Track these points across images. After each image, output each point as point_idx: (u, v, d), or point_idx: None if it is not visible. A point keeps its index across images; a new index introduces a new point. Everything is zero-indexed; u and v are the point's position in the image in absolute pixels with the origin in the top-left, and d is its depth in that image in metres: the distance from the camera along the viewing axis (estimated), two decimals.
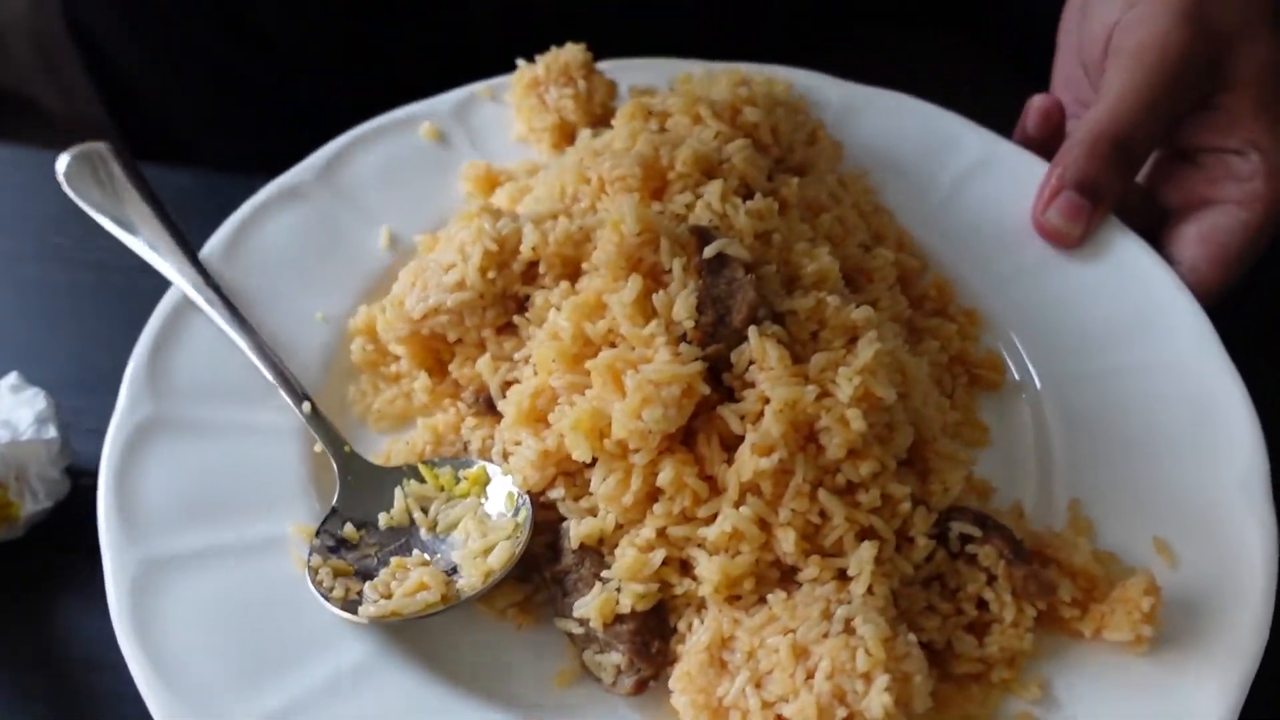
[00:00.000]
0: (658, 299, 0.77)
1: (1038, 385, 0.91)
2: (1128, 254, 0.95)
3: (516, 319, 0.85)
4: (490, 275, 0.85)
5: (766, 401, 0.74)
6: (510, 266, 0.85)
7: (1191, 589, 0.76)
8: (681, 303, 0.77)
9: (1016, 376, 0.92)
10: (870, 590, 0.72)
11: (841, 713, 0.67)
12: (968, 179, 1.04)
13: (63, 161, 0.98)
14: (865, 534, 0.74)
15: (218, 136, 1.41)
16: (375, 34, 1.33)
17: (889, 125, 1.08)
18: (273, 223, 0.97)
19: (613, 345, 0.78)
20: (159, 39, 1.34)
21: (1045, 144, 1.03)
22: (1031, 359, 0.93)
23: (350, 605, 0.75)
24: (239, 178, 1.06)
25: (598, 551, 0.77)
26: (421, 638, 0.76)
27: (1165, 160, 1.01)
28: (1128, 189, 0.98)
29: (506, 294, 0.86)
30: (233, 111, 1.39)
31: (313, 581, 0.75)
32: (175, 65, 1.36)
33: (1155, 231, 0.98)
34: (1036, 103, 1.04)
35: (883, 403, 0.74)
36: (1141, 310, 0.92)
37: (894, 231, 0.98)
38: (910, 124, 1.08)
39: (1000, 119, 1.06)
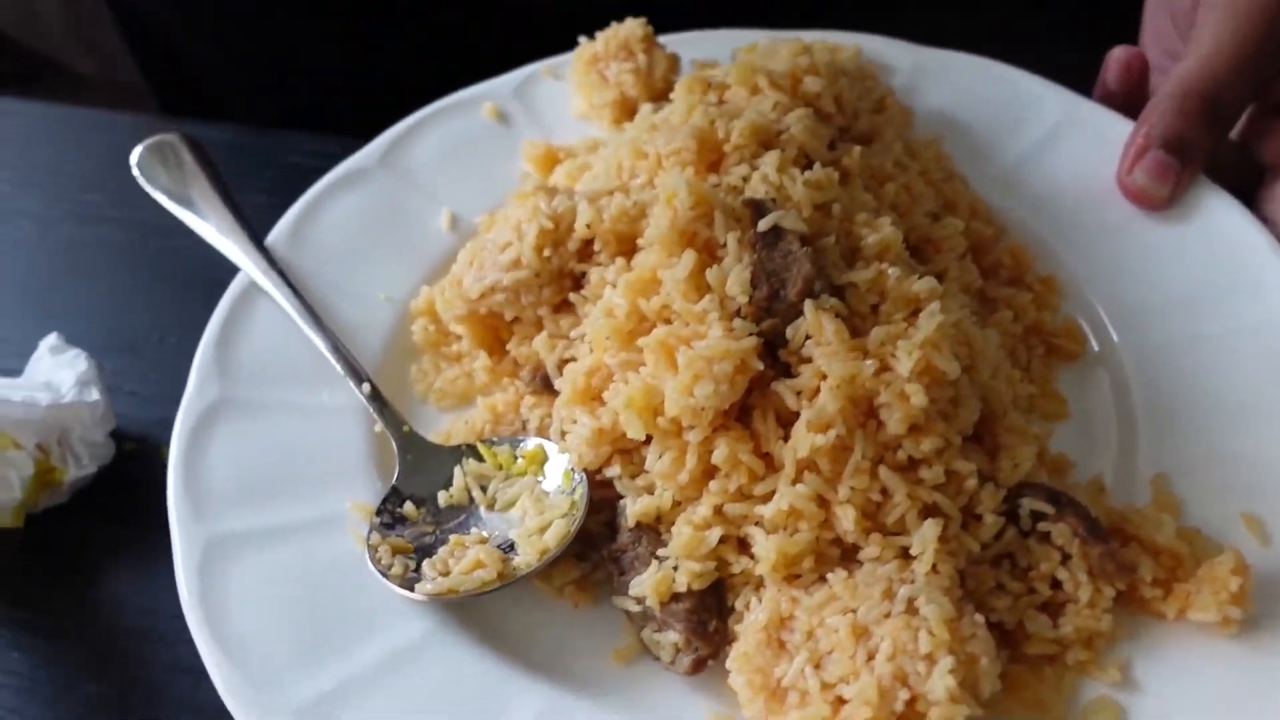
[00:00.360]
0: (711, 274, 0.76)
1: (1120, 354, 0.86)
2: (1218, 214, 0.90)
3: (573, 297, 0.85)
4: (546, 253, 0.84)
5: (823, 377, 0.72)
6: (566, 244, 0.85)
7: None
8: (735, 277, 0.75)
9: (1097, 346, 0.88)
10: (934, 569, 0.70)
11: (904, 695, 0.64)
12: (1047, 142, 0.99)
13: (136, 152, 1.00)
14: (929, 511, 0.71)
15: (251, 94, 1.39)
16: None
17: (963, 89, 1.04)
18: (336, 207, 0.98)
19: (667, 321, 0.76)
20: None
21: (1127, 98, 0.98)
22: (1115, 327, 0.88)
23: (408, 583, 0.75)
24: (277, 133, 1.06)
25: (654, 529, 0.76)
26: (479, 615, 0.76)
27: (1261, 114, 0.95)
28: (1220, 146, 0.92)
29: (562, 272, 0.85)
30: (266, 69, 1.37)
31: (372, 559, 0.76)
32: (208, 22, 1.35)
33: (1250, 190, 0.92)
34: (1117, 54, 0.99)
35: (946, 377, 0.71)
36: (1233, 273, 0.87)
37: (966, 199, 0.94)
38: (985, 87, 1.04)
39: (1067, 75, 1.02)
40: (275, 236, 0.95)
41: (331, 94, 1.03)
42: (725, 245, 0.77)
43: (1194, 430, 0.80)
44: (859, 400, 0.71)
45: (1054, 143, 0.99)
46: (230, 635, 0.73)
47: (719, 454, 0.73)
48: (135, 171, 0.99)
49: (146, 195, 0.97)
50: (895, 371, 0.71)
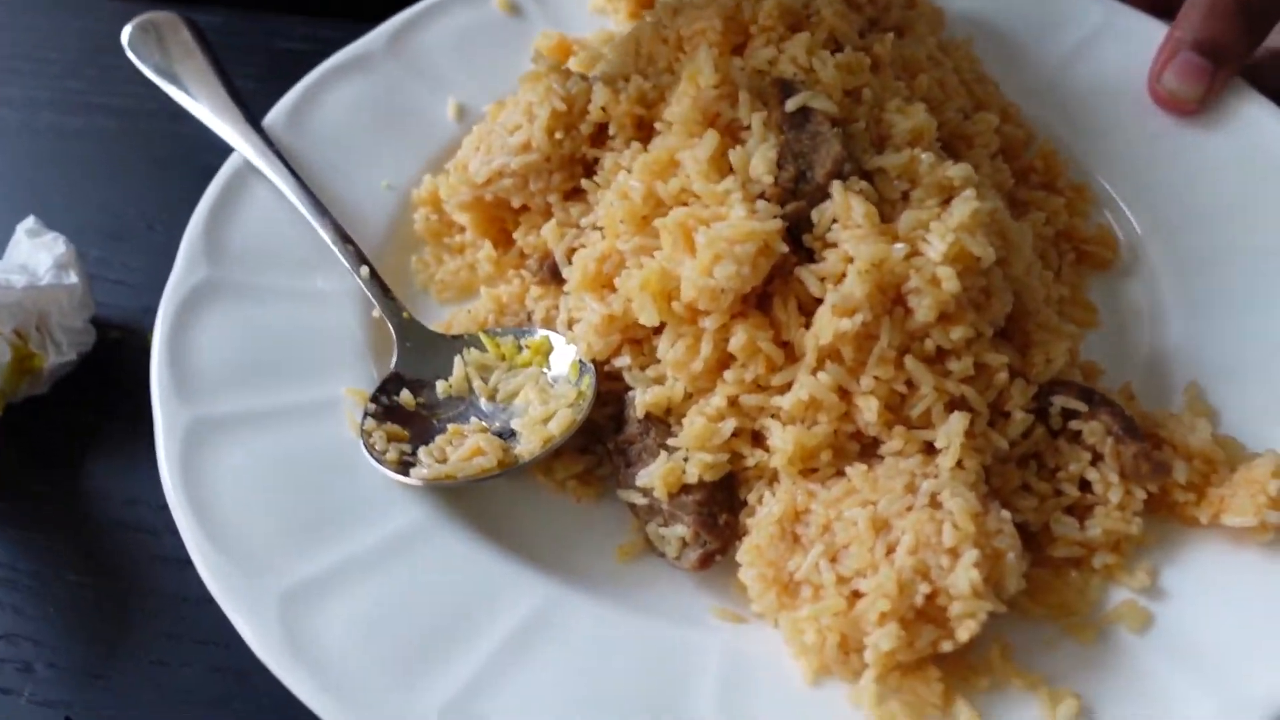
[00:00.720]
0: (734, 155, 0.72)
1: (1155, 264, 0.83)
2: (1259, 123, 0.86)
3: (584, 183, 0.80)
4: (557, 136, 0.80)
5: (850, 261, 0.68)
6: (578, 128, 0.80)
7: None
8: (760, 158, 0.71)
9: (1130, 255, 0.84)
10: (960, 465, 0.66)
11: (924, 589, 0.61)
12: (1083, 48, 0.95)
13: (126, 30, 0.95)
14: (956, 405, 0.68)
15: None
16: None
17: None
18: (339, 92, 0.93)
19: (685, 205, 0.72)
20: None
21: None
22: (1148, 236, 0.84)
23: (404, 469, 0.71)
24: (268, 17, 1.02)
25: (664, 421, 0.73)
26: (477, 506, 0.72)
27: None
28: (1259, 49, 0.88)
29: (574, 157, 0.81)
30: None
31: (366, 444, 0.72)
32: None
33: None
34: None
35: (979, 264, 0.67)
36: (1273, 184, 0.83)
37: (998, 102, 0.90)
38: None
39: None
40: (273, 118, 0.91)
41: None
42: (749, 127, 0.73)
43: (1229, 341, 0.77)
44: (887, 286, 0.67)
45: (1091, 49, 0.94)
46: (214, 519, 0.69)
47: (736, 341, 0.69)
48: (126, 50, 0.95)
49: (133, 81, 0.93)
50: (926, 256, 0.67)
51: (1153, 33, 0.93)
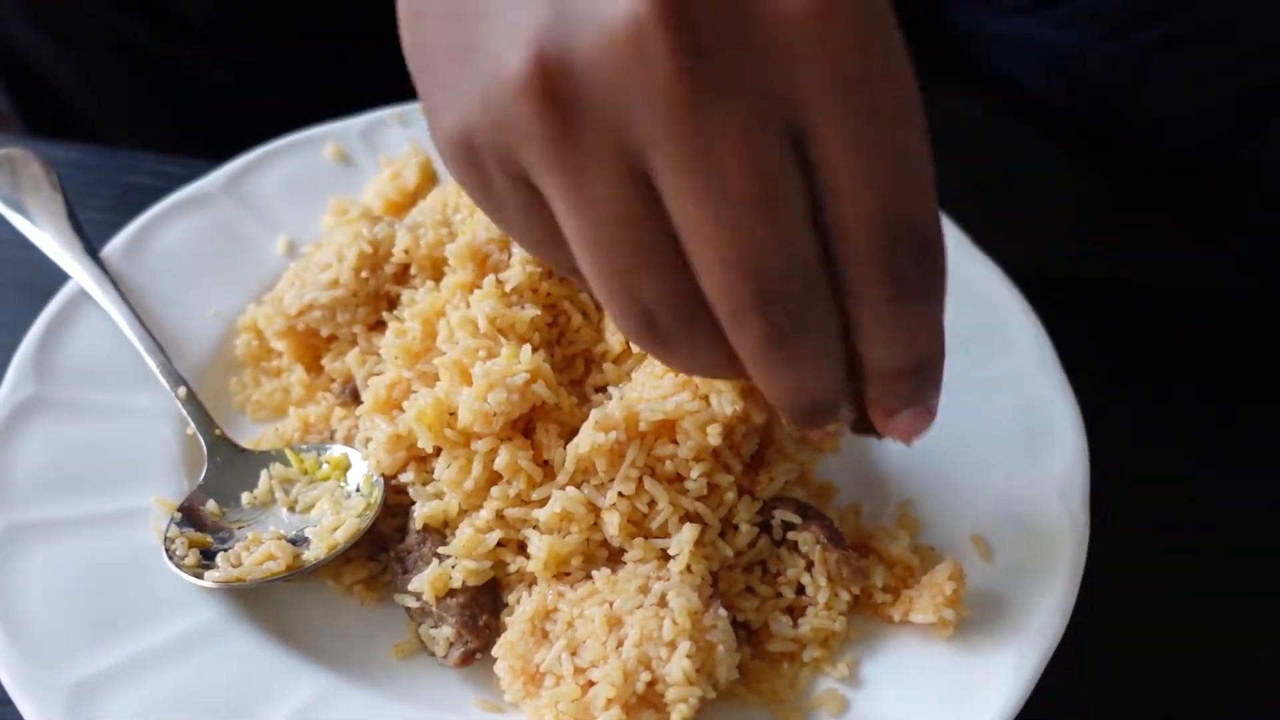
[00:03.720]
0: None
1: None
2: (978, 277, 1.01)
3: (385, 316, 0.90)
4: (363, 275, 0.90)
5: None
6: (383, 268, 0.91)
7: (1002, 581, 0.79)
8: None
9: None
10: (689, 569, 0.76)
11: (645, 677, 0.70)
12: None
13: None
14: (690, 518, 0.78)
15: (126, 123, 1.39)
16: (294, 23, 1.32)
17: None
18: (176, 226, 1.02)
19: (456, 344, 0.82)
20: (65, 19, 1.30)
21: None
22: None
23: (201, 573, 0.78)
24: (119, 153, 1.10)
25: (440, 533, 0.81)
26: (269, 608, 0.79)
27: None
28: None
29: (378, 293, 0.91)
30: (142, 98, 1.38)
31: (167, 549, 0.79)
32: (81, 47, 1.33)
33: None
34: None
35: (754, 421, 0.79)
36: (988, 329, 0.97)
37: None
38: None
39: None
40: (111, 249, 0.99)
41: (206, 120, 1.06)
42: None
43: (941, 465, 0.89)
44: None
45: None
46: (16, 617, 0.75)
47: (501, 459, 0.78)
48: None
49: None
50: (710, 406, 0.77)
51: None
